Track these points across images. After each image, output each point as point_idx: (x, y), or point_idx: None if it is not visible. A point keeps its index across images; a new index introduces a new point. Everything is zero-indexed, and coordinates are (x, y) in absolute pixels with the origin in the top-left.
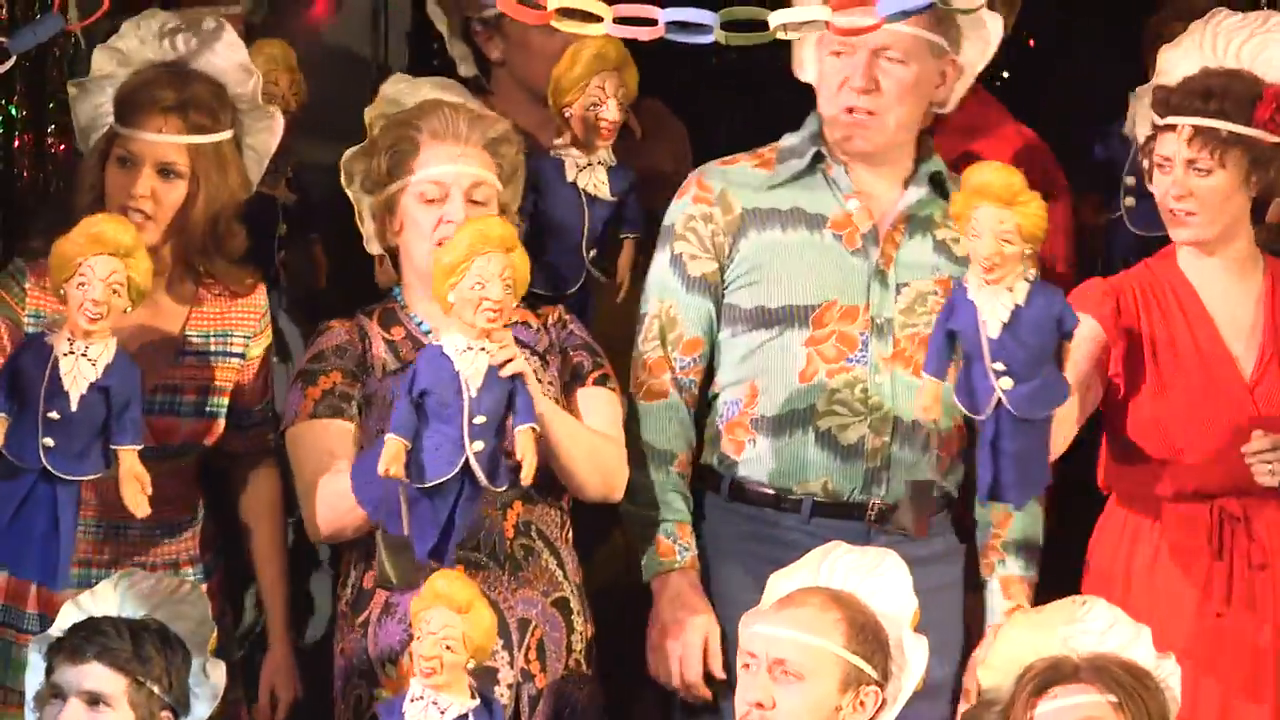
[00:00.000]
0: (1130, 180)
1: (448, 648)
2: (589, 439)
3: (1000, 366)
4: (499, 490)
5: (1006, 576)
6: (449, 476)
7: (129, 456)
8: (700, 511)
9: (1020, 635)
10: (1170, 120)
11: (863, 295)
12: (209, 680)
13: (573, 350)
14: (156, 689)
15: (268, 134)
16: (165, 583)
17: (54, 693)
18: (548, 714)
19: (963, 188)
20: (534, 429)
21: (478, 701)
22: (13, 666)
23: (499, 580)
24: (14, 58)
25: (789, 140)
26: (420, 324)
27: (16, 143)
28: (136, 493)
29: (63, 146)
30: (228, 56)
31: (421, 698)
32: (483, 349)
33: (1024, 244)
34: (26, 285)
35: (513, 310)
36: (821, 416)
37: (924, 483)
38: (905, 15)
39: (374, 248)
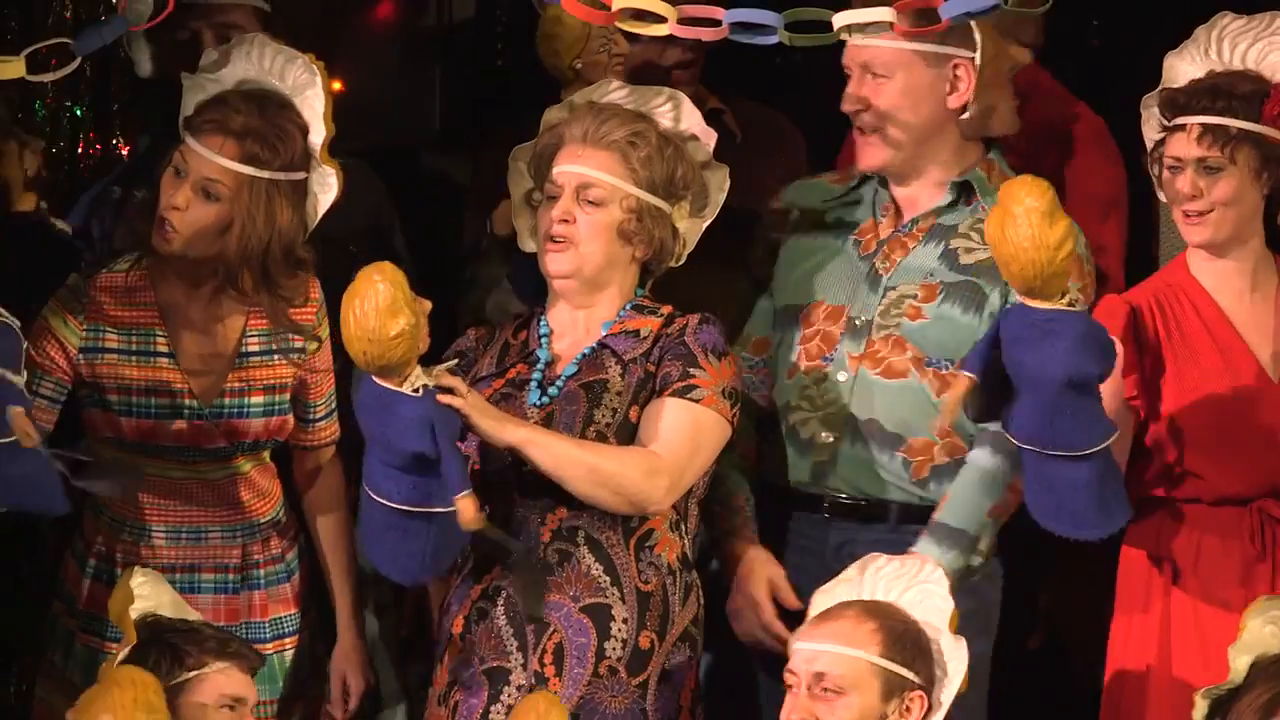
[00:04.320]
0: None
1: None
2: (584, 460)
3: None
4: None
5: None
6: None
7: None
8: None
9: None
10: (1179, 121)
11: (850, 297)
12: None
13: (669, 360)
14: None
15: (329, 189)
16: None
17: None
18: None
19: None
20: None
21: None
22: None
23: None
24: (79, 59)
25: None
26: (543, 330)
27: (81, 145)
28: None
29: (128, 149)
30: (319, 102)
31: None
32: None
33: None
34: (85, 301)
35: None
36: (792, 411)
37: None
38: (971, 16)
39: (527, 245)
